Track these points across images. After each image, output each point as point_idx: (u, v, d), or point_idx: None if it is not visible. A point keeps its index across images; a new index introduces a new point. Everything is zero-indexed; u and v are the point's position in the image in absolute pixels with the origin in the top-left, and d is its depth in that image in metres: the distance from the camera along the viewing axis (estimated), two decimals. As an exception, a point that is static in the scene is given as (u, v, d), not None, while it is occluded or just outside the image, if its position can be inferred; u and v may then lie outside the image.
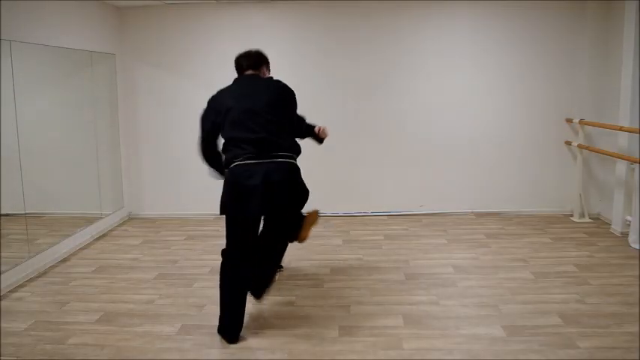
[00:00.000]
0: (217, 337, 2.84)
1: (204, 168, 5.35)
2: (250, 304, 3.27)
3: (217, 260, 4.05)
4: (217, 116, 2.75)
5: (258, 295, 3.11)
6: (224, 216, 2.76)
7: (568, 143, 5.02)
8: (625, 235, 4.33)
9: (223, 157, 2.81)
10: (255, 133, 2.66)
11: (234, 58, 3.01)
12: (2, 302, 3.35)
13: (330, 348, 2.69)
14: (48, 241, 4.11)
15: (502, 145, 5.11)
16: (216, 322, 3.01)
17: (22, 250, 3.78)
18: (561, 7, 4.85)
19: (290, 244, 3.27)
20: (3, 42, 3.53)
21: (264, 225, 3.03)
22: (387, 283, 3.48)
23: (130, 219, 5.40)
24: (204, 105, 2.86)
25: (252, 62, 2.95)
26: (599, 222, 4.86)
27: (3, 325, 3.02)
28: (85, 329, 2.96)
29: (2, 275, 3.49)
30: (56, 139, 4.49)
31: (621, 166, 4.41)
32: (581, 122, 4.81)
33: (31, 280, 3.74)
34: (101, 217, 4.88)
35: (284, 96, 2.86)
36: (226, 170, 2.73)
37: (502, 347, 2.65)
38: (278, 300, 3.28)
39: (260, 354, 2.66)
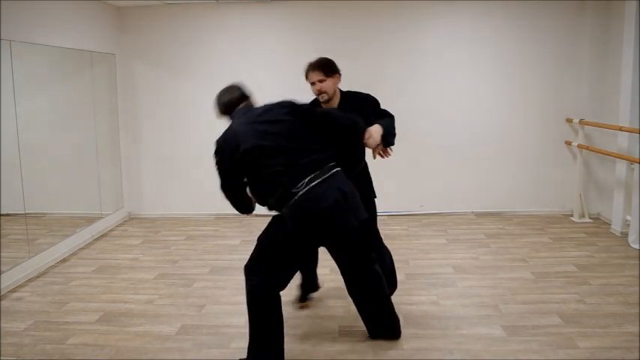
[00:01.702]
0: (217, 337, 2.84)
1: (205, 168, 5.37)
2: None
3: (217, 260, 4.09)
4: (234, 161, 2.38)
5: (398, 334, 2.77)
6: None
7: (568, 143, 5.02)
8: (625, 235, 4.33)
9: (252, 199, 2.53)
10: (301, 156, 2.35)
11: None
12: (2, 302, 3.35)
13: (330, 348, 2.69)
14: (48, 241, 4.11)
15: (502, 145, 5.11)
16: (216, 322, 3.01)
17: (22, 250, 3.78)
18: (561, 7, 4.85)
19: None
20: (3, 42, 3.53)
21: (344, 265, 2.67)
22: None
23: (130, 219, 5.40)
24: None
25: (235, 98, 2.59)
26: (599, 222, 4.85)
27: (3, 325, 3.02)
28: (85, 329, 2.96)
29: (2, 275, 3.49)
30: (56, 139, 4.49)
31: (621, 166, 4.41)
32: (581, 122, 4.81)
33: (31, 280, 3.74)
34: (101, 217, 4.88)
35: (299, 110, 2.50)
36: (288, 204, 2.33)
37: (502, 347, 2.64)
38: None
39: (260, 354, 2.66)
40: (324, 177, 2.34)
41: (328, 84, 2.76)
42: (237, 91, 2.59)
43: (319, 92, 2.78)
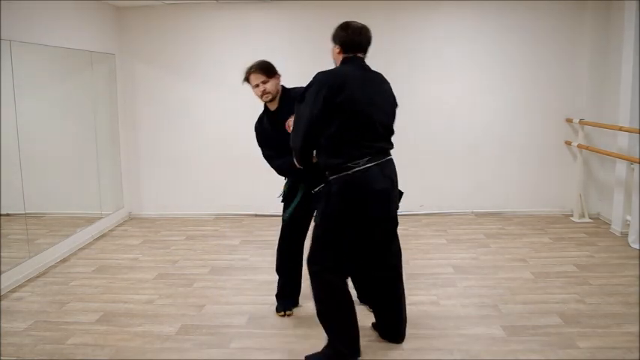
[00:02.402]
0: (217, 337, 2.83)
1: (205, 168, 5.38)
2: (249, 305, 3.27)
3: (217, 260, 4.09)
4: (331, 105, 2.29)
5: (401, 338, 2.73)
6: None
7: (568, 143, 5.02)
8: (625, 235, 4.33)
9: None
10: (378, 137, 2.41)
11: (343, 27, 2.51)
12: (2, 302, 3.35)
13: (330, 348, 2.69)
14: (48, 241, 4.11)
15: (502, 145, 5.11)
16: (216, 322, 3.01)
17: (22, 250, 3.78)
18: (561, 7, 4.85)
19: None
20: (3, 42, 3.53)
21: (371, 256, 2.66)
22: (387, 283, 3.47)
23: (130, 219, 5.40)
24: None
25: (367, 44, 2.49)
26: (599, 222, 4.85)
27: (3, 325, 3.02)
28: (85, 329, 2.96)
29: (2, 275, 3.49)
30: (56, 138, 4.49)
31: (621, 166, 4.41)
32: (581, 122, 4.81)
33: (31, 280, 3.74)
34: (101, 217, 4.88)
35: (393, 97, 2.58)
36: (339, 176, 2.37)
37: (502, 347, 2.64)
38: (278, 300, 3.27)
39: (260, 354, 2.66)
40: (380, 161, 2.41)
41: (270, 85, 2.85)
42: (363, 39, 2.48)
43: (263, 93, 2.85)
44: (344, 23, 2.52)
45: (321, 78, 2.37)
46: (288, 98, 2.86)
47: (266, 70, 2.84)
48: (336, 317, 2.46)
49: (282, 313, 3.08)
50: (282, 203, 3.07)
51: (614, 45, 4.64)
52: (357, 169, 2.33)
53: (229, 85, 5.17)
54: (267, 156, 2.96)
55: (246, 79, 2.89)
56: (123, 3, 4.98)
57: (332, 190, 2.39)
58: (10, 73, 3.63)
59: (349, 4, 4.96)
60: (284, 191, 3.03)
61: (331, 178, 2.39)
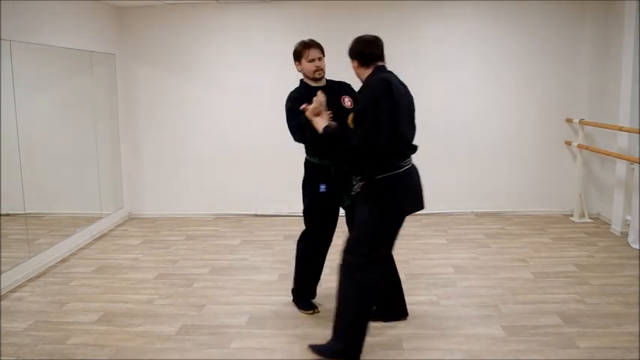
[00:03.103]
0: (217, 337, 2.83)
1: (205, 168, 5.38)
2: (249, 305, 3.27)
3: (217, 260, 4.09)
4: (396, 113, 2.40)
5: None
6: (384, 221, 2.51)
7: (568, 143, 5.02)
8: (625, 235, 4.33)
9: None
10: (413, 136, 2.59)
11: (359, 41, 2.56)
12: (2, 302, 3.35)
13: (330, 348, 2.69)
14: (48, 241, 4.11)
15: (502, 145, 5.11)
16: (216, 322, 3.01)
17: (22, 250, 3.78)
18: (561, 7, 4.85)
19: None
20: (3, 42, 3.53)
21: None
22: (387, 283, 3.47)
23: (130, 219, 5.40)
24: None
25: (382, 52, 2.59)
26: (599, 222, 4.85)
27: (3, 325, 3.02)
28: (85, 329, 2.96)
29: (2, 275, 3.49)
30: (56, 139, 4.48)
31: (621, 166, 4.41)
32: (581, 122, 4.81)
33: (31, 280, 3.74)
34: (101, 217, 4.88)
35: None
36: (392, 174, 2.46)
37: (502, 347, 2.64)
38: (278, 300, 3.27)
39: (260, 354, 2.66)
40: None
41: (324, 63, 2.87)
42: (380, 48, 2.58)
43: (317, 69, 2.84)
44: (357, 38, 2.60)
45: (378, 85, 2.40)
46: (333, 87, 2.89)
47: (322, 48, 2.89)
48: (360, 313, 2.49)
49: (312, 311, 3.06)
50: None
51: (614, 45, 4.64)
52: (407, 167, 2.52)
53: (229, 85, 5.18)
54: (296, 125, 2.76)
55: (298, 54, 2.86)
56: (123, 3, 4.98)
57: (384, 188, 2.47)
58: (10, 73, 3.63)
59: (349, 4, 4.96)
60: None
61: (379, 177, 2.45)
